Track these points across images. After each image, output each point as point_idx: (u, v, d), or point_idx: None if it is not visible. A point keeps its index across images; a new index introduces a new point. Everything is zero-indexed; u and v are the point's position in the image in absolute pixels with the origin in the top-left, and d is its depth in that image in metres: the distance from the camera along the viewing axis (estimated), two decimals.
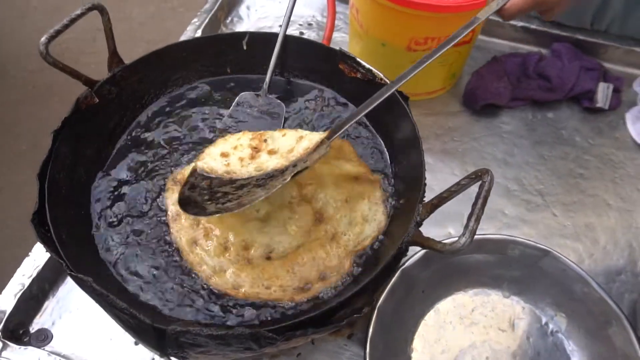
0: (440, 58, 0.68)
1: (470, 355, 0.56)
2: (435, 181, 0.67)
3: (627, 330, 0.51)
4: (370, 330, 0.52)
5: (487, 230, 0.63)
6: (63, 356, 0.54)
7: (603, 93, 0.73)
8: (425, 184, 0.48)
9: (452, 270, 0.58)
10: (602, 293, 0.53)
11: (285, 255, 0.49)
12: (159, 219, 0.51)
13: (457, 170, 0.69)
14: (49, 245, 0.42)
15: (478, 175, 0.43)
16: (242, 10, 0.88)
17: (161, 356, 0.43)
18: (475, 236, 0.58)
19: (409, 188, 0.52)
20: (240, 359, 0.51)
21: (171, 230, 0.50)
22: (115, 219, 0.51)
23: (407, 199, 0.51)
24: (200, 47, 0.59)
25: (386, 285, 0.53)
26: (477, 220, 0.40)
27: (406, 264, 0.55)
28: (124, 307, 0.39)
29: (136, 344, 0.56)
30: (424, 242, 0.43)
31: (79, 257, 0.44)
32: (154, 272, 0.48)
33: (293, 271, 0.48)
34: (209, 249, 0.49)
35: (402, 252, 0.45)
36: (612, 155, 0.70)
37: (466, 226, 0.40)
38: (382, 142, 0.58)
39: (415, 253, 0.56)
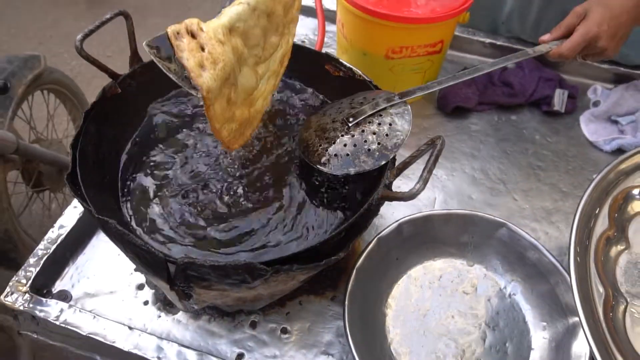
0: (413, 66, 0.79)
1: (438, 313, 0.63)
2: (411, 171, 0.76)
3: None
4: (349, 287, 0.60)
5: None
6: (81, 310, 0.61)
7: (559, 98, 0.84)
8: (395, 158, 0.57)
9: (423, 240, 0.66)
10: (551, 257, 0.61)
11: None
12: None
13: None
14: (79, 196, 0.51)
15: (433, 141, 0.52)
16: None
17: (170, 289, 0.50)
18: (444, 211, 0.68)
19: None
20: (237, 307, 0.59)
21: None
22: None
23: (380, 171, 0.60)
24: None
25: (357, 245, 0.61)
26: (430, 172, 0.49)
27: (382, 233, 0.64)
28: (142, 243, 0.48)
29: (145, 303, 0.64)
30: (390, 195, 0.52)
31: (103, 208, 0.52)
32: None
33: None
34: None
35: (375, 207, 0.53)
36: (567, 151, 0.80)
37: (421, 176, 0.49)
38: None
39: (390, 224, 0.65)
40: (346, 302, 0.59)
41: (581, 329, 0.49)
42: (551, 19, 0.88)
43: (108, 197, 0.59)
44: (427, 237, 0.66)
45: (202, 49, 0.47)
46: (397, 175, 0.55)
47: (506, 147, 0.80)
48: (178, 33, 0.46)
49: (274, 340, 0.61)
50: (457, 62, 0.93)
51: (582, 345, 0.56)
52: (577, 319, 0.53)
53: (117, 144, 0.63)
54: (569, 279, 0.51)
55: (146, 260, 0.50)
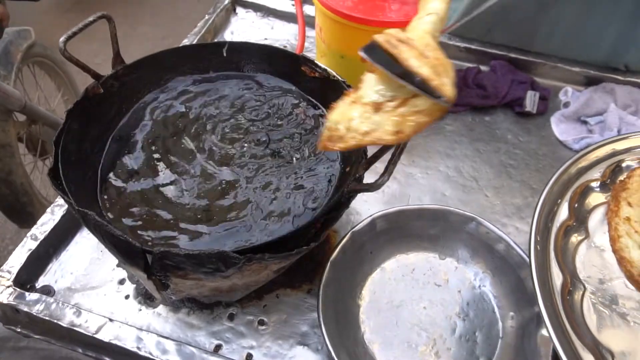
0: None
1: (410, 305, 0.65)
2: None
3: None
4: (324, 279, 0.62)
5: None
6: (64, 303, 0.63)
7: (531, 99, 0.87)
8: (365, 153, 0.60)
9: (396, 235, 0.68)
10: (519, 250, 0.64)
11: None
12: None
13: (405, 161, 0.81)
14: (61, 190, 0.53)
15: (401, 147, 0.55)
16: (227, 34, 1.02)
17: (148, 278, 0.52)
18: (416, 206, 0.70)
19: (354, 159, 0.63)
20: (215, 298, 0.61)
21: None
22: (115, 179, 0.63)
23: (351, 165, 0.62)
24: (188, 53, 0.72)
25: (332, 237, 0.63)
26: (394, 164, 0.52)
27: (356, 228, 0.66)
28: (120, 234, 0.50)
29: (126, 297, 0.66)
30: (360, 187, 0.54)
31: (83, 203, 0.54)
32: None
33: None
34: None
35: (345, 200, 0.56)
36: (538, 150, 0.83)
37: (386, 168, 0.51)
38: None
39: (364, 219, 0.67)
40: (320, 294, 0.61)
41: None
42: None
43: (89, 193, 0.61)
44: (400, 231, 0.69)
45: (425, 56, 0.45)
46: (367, 168, 0.57)
47: (479, 147, 0.83)
48: (389, 42, 0.46)
49: (251, 332, 0.63)
50: None
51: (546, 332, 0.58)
52: None
53: (98, 143, 0.65)
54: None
55: (124, 250, 0.52)
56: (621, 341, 0.49)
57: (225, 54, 0.73)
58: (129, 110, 0.69)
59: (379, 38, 0.46)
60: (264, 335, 0.63)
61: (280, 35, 1.02)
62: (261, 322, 0.64)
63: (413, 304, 0.66)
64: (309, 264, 0.68)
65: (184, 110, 0.71)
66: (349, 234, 0.65)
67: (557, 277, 0.52)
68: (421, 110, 0.46)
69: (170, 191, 0.63)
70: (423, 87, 0.44)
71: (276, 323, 0.64)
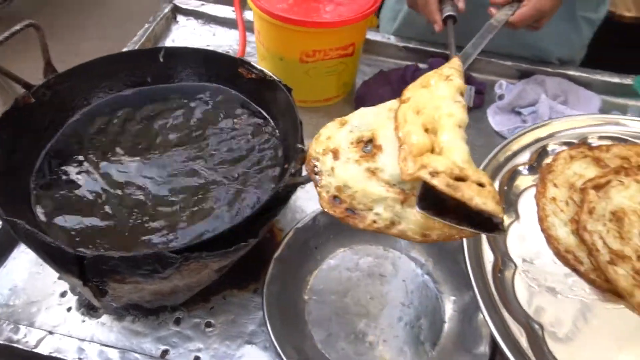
0: (328, 69, 0.83)
1: (357, 297, 0.66)
2: None
3: None
4: (267, 277, 0.62)
5: None
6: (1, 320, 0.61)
7: (467, 94, 0.89)
8: (302, 149, 0.61)
9: (339, 229, 0.69)
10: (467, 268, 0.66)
11: None
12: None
13: None
14: None
15: None
16: (168, 42, 1.02)
17: (84, 285, 0.52)
18: None
19: (292, 156, 0.64)
20: (158, 302, 0.61)
21: None
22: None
23: (289, 162, 0.63)
24: (123, 60, 0.72)
25: (277, 236, 0.64)
26: None
27: (298, 224, 0.67)
28: (51, 241, 0.49)
29: (68, 310, 0.65)
30: (295, 181, 0.55)
31: (15, 214, 0.53)
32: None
33: None
34: None
35: (283, 195, 0.56)
36: (476, 141, 0.86)
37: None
38: (275, 126, 0.71)
39: (305, 215, 0.68)
40: (264, 292, 0.61)
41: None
42: None
43: (21, 204, 0.59)
44: (343, 226, 0.69)
45: (481, 185, 0.42)
46: (302, 163, 0.58)
47: None
48: (449, 185, 0.41)
49: (198, 334, 0.63)
50: (374, 65, 0.98)
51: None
52: None
53: (31, 153, 0.64)
54: None
55: (57, 258, 0.51)
56: (550, 314, 0.52)
57: (162, 60, 0.73)
58: (63, 119, 0.68)
59: (438, 183, 0.41)
60: (211, 337, 0.63)
61: (222, 41, 1.02)
62: (208, 324, 0.64)
63: (359, 296, 0.67)
64: (255, 263, 0.68)
65: (118, 120, 0.70)
66: (292, 230, 0.66)
67: (489, 257, 0.54)
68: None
69: (106, 200, 0.62)
70: (488, 228, 0.41)
71: (223, 324, 0.64)
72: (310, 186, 0.79)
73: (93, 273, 0.50)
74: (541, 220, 0.59)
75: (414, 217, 0.45)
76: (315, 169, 0.51)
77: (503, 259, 0.55)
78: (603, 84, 0.94)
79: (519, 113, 0.90)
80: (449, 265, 0.67)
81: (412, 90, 0.50)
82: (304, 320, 0.64)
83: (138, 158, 0.66)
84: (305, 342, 0.62)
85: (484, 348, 0.58)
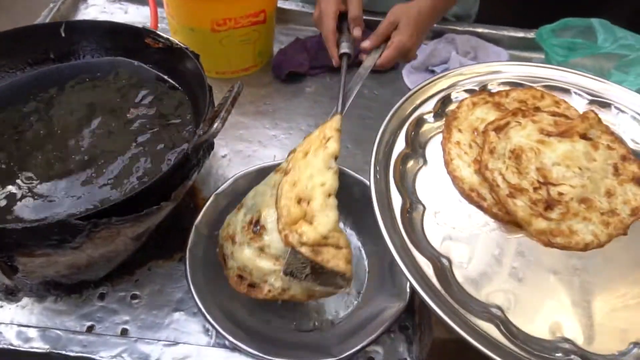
0: (241, 37, 0.83)
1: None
2: (250, 135, 0.81)
3: None
4: (189, 243, 0.63)
5: None
6: None
7: (373, 56, 0.92)
8: (210, 109, 0.60)
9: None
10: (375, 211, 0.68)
11: None
12: None
13: (268, 124, 0.83)
14: None
15: (231, 89, 0.56)
16: None
17: None
18: (276, 162, 0.72)
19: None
20: (77, 277, 0.60)
21: None
22: None
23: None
24: (21, 36, 0.69)
25: (201, 205, 0.65)
26: (227, 112, 0.54)
27: (218, 190, 0.67)
28: None
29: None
30: (200, 142, 0.55)
31: None
32: None
33: None
34: None
35: (193, 156, 0.56)
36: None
37: (218, 116, 0.53)
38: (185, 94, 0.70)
39: (225, 179, 0.69)
40: (187, 257, 0.61)
41: None
42: None
43: None
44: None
45: (339, 247, 0.54)
46: (211, 124, 0.58)
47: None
48: (313, 251, 0.53)
49: (124, 307, 0.63)
50: (292, 34, 0.99)
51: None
52: None
53: None
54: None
55: None
56: (457, 248, 0.54)
57: (63, 34, 0.71)
58: None
59: (305, 250, 0.52)
60: (137, 308, 0.63)
61: (134, 18, 1.00)
62: (134, 297, 0.64)
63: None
64: (179, 233, 0.68)
65: (21, 104, 0.68)
66: (212, 196, 0.66)
67: (397, 200, 0.56)
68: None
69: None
70: (340, 285, 0.54)
71: (150, 295, 0.64)
72: (231, 154, 0.80)
73: None
74: (447, 163, 0.62)
75: (298, 285, 0.55)
76: (224, 254, 0.61)
77: (411, 202, 0.57)
78: (509, 39, 0.99)
79: (432, 71, 0.93)
80: (367, 218, 0.68)
81: (294, 161, 0.60)
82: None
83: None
84: (232, 304, 0.63)
85: (403, 290, 0.60)
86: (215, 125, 0.52)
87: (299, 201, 0.56)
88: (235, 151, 0.79)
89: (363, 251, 0.68)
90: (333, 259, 0.52)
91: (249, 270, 0.58)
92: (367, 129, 0.83)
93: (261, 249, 0.58)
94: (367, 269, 0.67)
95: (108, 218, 0.50)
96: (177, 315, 0.62)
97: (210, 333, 0.61)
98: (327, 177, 0.57)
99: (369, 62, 0.77)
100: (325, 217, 0.54)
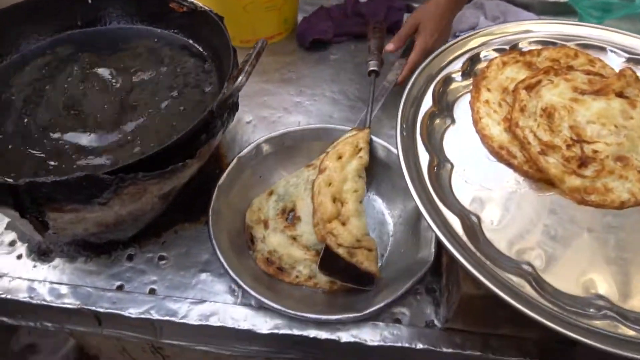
0: (266, 4, 0.83)
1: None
2: (274, 102, 0.81)
3: None
4: (212, 202, 0.63)
5: None
6: None
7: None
8: (235, 69, 0.60)
9: (283, 157, 0.70)
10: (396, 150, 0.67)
11: None
12: None
13: (293, 91, 0.83)
14: None
15: (256, 44, 0.56)
16: None
17: (21, 216, 0.51)
18: (300, 127, 0.72)
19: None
20: (105, 236, 0.61)
21: None
22: None
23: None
24: (49, 4, 0.70)
25: (224, 157, 0.65)
26: (252, 66, 0.53)
27: (241, 153, 0.67)
28: None
29: (19, 257, 0.64)
30: (227, 98, 0.55)
31: None
32: None
33: None
34: None
35: (218, 115, 0.56)
36: None
37: (244, 71, 0.52)
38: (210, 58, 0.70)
39: (249, 144, 0.68)
40: (210, 219, 0.61)
41: None
42: None
43: None
44: (287, 153, 0.70)
45: (370, 249, 0.60)
46: (235, 80, 0.57)
47: (362, 71, 0.85)
48: (349, 252, 0.58)
49: (152, 268, 0.63)
50: (316, 4, 0.97)
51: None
52: None
53: None
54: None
55: None
56: (486, 206, 0.53)
57: (90, 1, 0.71)
58: None
59: (342, 252, 0.57)
60: (165, 269, 0.63)
61: None
62: (161, 258, 0.64)
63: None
64: (204, 196, 0.68)
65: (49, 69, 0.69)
66: (235, 159, 0.66)
67: (424, 157, 0.55)
68: None
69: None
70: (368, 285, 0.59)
71: (177, 256, 0.64)
72: (255, 120, 0.80)
73: (29, 202, 0.50)
74: (475, 122, 0.60)
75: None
76: (252, 235, 0.64)
77: (439, 160, 0.56)
78: (540, 3, 0.96)
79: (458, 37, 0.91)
80: (392, 182, 0.68)
81: (329, 160, 0.65)
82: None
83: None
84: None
85: (428, 251, 0.60)
86: (239, 79, 0.51)
87: (334, 200, 0.61)
88: (260, 117, 0.78)
89: (387, 215, 0.67)
90: (366, 261, 0.58)
91: (279, 255, 0.62)
92: (392, 94, 0.82)
93: (294, 238, 0.63)
94: (390, 233, 0.66)
95: (135, 173, 0.50)
96: (203, 276, 0.63)
97: (236, 293, 0.61)
98: (359, 186, 0.64)
99: (392, 76, 0.80)
100: (358, 222, 0.61)
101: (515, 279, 0.47)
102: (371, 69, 0.79)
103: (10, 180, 0.48)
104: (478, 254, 0.49)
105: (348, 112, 0.80)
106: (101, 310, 0.58)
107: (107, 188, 0.50)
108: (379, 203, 0.69)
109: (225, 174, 0.65)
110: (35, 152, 0.59)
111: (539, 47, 0.68)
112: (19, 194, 0.49)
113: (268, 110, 0.79)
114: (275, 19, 0.87)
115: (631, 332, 0.45)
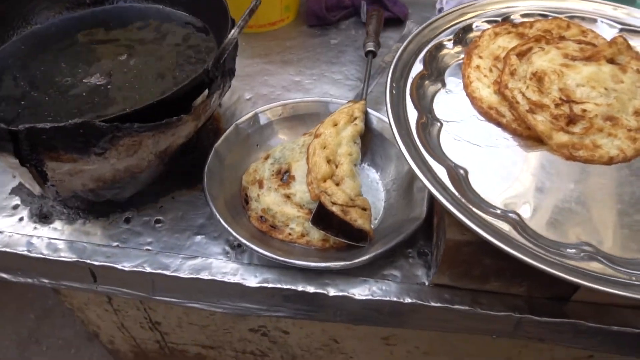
0: None
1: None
2: (275, 81, 0.83)
3: None
4: (208, 162, 0.64)
5: None
6: None
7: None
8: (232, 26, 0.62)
9: (280, 128, 0.72)
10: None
11: None
12: None
13: (293, 72, 0.85)
14: None
15: (251, 7, 0.58)
16: None
17: (21, 164, 0.53)
18: (298, 100, 0.73)
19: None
20: (103, 193, 0.62)
21: None
22: None
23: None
24: None
25: (223, 131, 0.67)
26: (245, 21, 0.55)
27: (239, 120, 0.69)
28: None
29: (20, 220, 0.66)
30: (219, 56, 0.57)
31: None
32: None
33: None
34: None
35: (211, 73, 0.58)
36: None
37: (237, 25, 0.54)
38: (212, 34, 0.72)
39: (247, 113, 0.70)
40: (204, 177, 0.63)
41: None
42: None
43: None
44: (284, 124, 0.72)
45: (364, 209, 0.61)
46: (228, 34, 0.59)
47: (362, 54, 0.87)
48: (342, 210, 0.58)
49: (148, 230, 0.65)
50: None
51: (421, 184, 0.62)
52: None
53: None
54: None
55: None
56: (475, 161, 0.54)
57: None
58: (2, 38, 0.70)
59: (336, 209, 0.58)
60: (161, 232, 0.64)
61: None
62: (158, 221, 0.65)
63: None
64: (202, 165, 0.70)
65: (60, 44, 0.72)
66: (233, 125, 0.68)
67: (412, 114, 0.56)
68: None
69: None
70: (362, 241, 0.59)
71: (173, 220, 0.66)
72: (255, 97, 0.82)
73: (28, 149, 0.52)
74: (466, 86, 0.61)
75: (316, 230, 0.60)
76: (247, 195, 0.66)
77: (428, 119, 0.57)
78: None
79: None
80: (385, 151, 0.69)
81: (324, 127, 0.66)
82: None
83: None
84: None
85: (420, 210, 0.60)
86: (232, 32, 0.53)
87: (328, 161, 0.63)
88: (260, 95, 0.80)
89: (380, 184, 0.68)
90: (360, 219, 0.58)
91: (273, 212, 0.62)
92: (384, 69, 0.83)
93: (287, 196, 0.64)
94: (384, 200, 0.66)
95: (130, 124, 0.52)
96: (198, 238, 0.64)
97: (229, 255, 0.62)
98: (354, 150, 0.65)
99: (389, 57, 0.83)
100: (353, 182, 0.62)
101: (501, 224, 0.48)
102: (368, 49, 0.81)
103: (10, 127, 0.50)
104: (464, 200, 0.49)
105: (346, 91, 0.81)
106: (96, 263, 0.59)
107: (103, 136, 0.51)
108: (372, 173, 0.69)
109: (222, 137, 0.66)
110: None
111: (531, 19, 0.69)
112: (19, 140, 0.51)
113: (267, 89, 0.81)
114: (277, 4, 0.89)
115: (618, 274, 0.45)
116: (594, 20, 0.68)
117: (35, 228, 0.65)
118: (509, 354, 0.73)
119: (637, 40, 0.66)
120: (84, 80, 0.66)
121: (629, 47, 0.63)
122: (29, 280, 0.63)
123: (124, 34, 0.73)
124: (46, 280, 0.63)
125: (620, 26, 0.67)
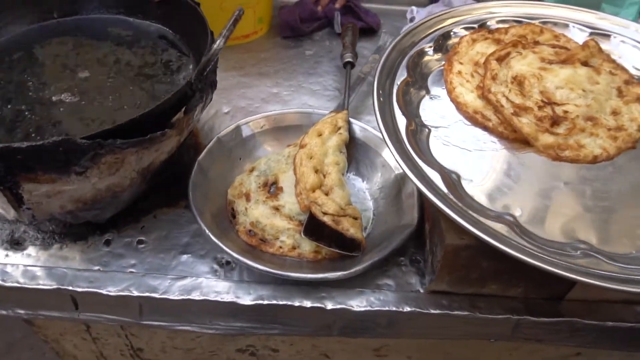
0: (241, 1, 0.84)
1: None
2: (252, 93, 0.82)
3: None
4: (192, 177, 0.62)
5: None
6: None
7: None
8: (211, 43, 0.61)
9: (263, 140, 0.70)
10: (375, 132, 0.68)
11: None
12: None
13: (270, 83, 0.84)
14: None
15: (235, 16, 0.57)
16: None
17: None
18: (280, 111, 0.72)
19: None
20: (82, 215, 0.59)
21: None
22: None
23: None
24: None
25: (203, 146, 0.65)
26: (230, 31, 0.54)
27: (221, 134, 0.67)
28: None
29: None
30: (203, 68, 0.55)
31: None
32: None
33: None
34: None
35: (194, 86, 0.56)
36: None
37: (221, 34, 0.53)
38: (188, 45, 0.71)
39: (226, 126, 0.69)
40: (190, 190, 0.61)
41: (406, 178, 0.58)
42: None
43: None
44: (267, 136, 0.70)
45: (355, 218, 0.59)
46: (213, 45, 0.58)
47: (338, 64, 0.87)
48: (334, 221, 0.57)
49: (131, 251, 0.62)
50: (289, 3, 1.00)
51: (409, 190, 0.62)
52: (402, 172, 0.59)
53: None
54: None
55: None
56: (465, 165, 0.54)
57: None
58: None
59: (327, 219, 0.57)
60: (144, 253, 0.62)
61: None
62: (140, 242, 0.63)
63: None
64: (184, 181, 0.67)
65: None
66: (215, 138, 0.66)
67: (401, 121, 0.56)
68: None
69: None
70: (355, 251, 0.58)
71: (156, 240, 0.63)
72: (233, 111, 0.80)
73: (3, 171, 0.49)
74: (449, 92, 0.62)
75: (307, 242, 0.59)
76: (233, 209, 0.64)
77: (416, 124, 0.57)
78: None
79: None
80: (370, 160, 0.69)
81: (309, 138, 0.66)
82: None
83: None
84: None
85: (410, 217, 0.60)
86: (218, 42, 0.52)
87: (316, 171, 0.62)
88: (238, 107, 0.79)
89: (367, 193, 0.68)
90: (352, 228, 0.57)
91: (262, 226, 0.61)
92: (367, 84, 0.84)
93: (276, 208, 0.63)
94: (372, 209, 0.66)
95: (112, 140, 0.50)
96: (184, 257, 0.61)
97: (217, 273, 0.60)
98: (341, 159, 0.65)
99: (366, 68, 0.84)
100: (341, 191, 0.61)
101: (498, 226, 0.48)
102: (347, 60, 0.81)
103: None
104: (460, 203, 0.49)
105: (325, 101, 0.81)
106: (78, 290, 0.56)
107: (85, 154, 0.49)
108: (359, 182, 0.69)
109: (204, 151, 0.65)
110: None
111: (506, 25, 0.70)
112: None
113: (246, 101, 0.80)
114: (251, 17, 0.88)
115: (614, 269, 0.45)
116: (566, 25, 0.71)
117: (7, 255, 0.61)
118: (500, 356, 0.73)
119: (606, 43, 0.69)
120: (53, 98, 0.63)
121: (600, 49, 0.65)
122: (3, 312, 0.59)
123: (95, 47, 0.70)
124: (22, 311, 0.59)
125: (590, 30, 0.70)
